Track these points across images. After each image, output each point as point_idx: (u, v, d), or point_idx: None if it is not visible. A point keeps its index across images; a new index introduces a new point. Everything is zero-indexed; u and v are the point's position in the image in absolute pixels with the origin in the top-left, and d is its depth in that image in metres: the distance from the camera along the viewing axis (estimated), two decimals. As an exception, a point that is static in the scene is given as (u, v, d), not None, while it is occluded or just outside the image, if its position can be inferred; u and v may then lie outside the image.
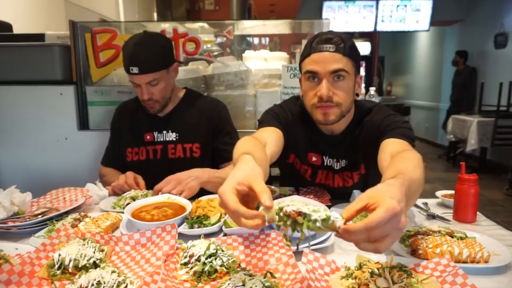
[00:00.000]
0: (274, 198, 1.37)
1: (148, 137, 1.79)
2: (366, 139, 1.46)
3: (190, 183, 1.46)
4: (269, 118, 1.51)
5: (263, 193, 0.78)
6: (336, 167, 1.55)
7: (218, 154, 1.80)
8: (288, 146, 1.51)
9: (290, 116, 1.54)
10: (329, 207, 1.25)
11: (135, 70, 1.58)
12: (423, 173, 1.00)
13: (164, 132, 1.78)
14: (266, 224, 0.77)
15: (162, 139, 1.78)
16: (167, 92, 1.71)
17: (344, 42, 1.31)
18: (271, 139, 1.36)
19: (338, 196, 1.48)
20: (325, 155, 1.55)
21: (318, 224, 0.72)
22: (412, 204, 0.97)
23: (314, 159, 1.56)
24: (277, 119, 1.50)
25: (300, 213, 0.73)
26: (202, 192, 1.54)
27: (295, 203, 0.75)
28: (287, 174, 1.71)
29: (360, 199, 0.75)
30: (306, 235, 0.76)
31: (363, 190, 1.38)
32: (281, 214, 0.75)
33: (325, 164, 1.56)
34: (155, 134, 1.78)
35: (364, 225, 0.68)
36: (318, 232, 0.73)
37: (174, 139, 1.77)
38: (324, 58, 1.30)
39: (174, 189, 1.43)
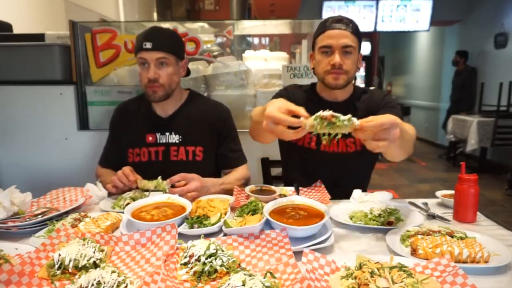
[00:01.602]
0: (274, 198, 1.39)
1: (150, 138, 1.77)
2: (366, 111, 1.62)
3: (202, 194, 1.49)
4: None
5: (301, 109, 1.09)
6: None
7: (224, 160, 1.81)
8: None
9: (293, 96, 1.73)
10: (328, 207, 1.26)
11: (148, 45, 1.59)
12: (414, 133, 1.41)
13: (167, 133, 1.76)
14: (306, 130, 1.06)
15: (164, 141, 1.76)
16: (172, 81, 1.68)
17: (351, 23, 1.59)
18: None
19: (341, 169, 1.68)
20: None
21: (345, 122, 1.03)
22: (403, 148, 1.35)
23: None
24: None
25: (333, 116, 1.03)
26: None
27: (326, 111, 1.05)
28: (292, 157, 1.79)
29: (368, 118, 1.04)
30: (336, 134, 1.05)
31: (360, 167, 1.74)
32: (318, 120, 1.04)
33: None
34: (158, 135, 1.76)
35: (373, 123, 1.02)
36: (344, 131, 1.04)
37: (177, 141, 1.75)
38: (337, 34, 1.56)
39: (191, 192, 1.45)
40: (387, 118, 1.02)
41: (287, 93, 1.75)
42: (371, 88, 1.84)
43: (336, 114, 1.04)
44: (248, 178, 1.80)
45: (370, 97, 1.72)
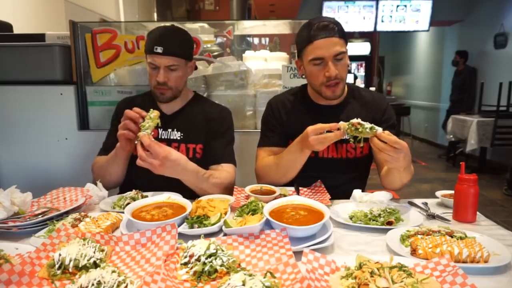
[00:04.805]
0: (274, 198, 1.39)
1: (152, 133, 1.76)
2: (363, 112, 1.65)
3: (166, 172, 1.44)
4: (265, 136, 1.75)
5: (331, 124, 1.36)
6: None
7: (211, 154, 1.74)
8: (288, 132, 1.68)
9: (279, 110, 1.73)
10: (328, 207, 1.26)
11: (159, 49, 1.60)
12: (412, 174, 1.56)
13: (169, 130, 1.76)
14: (342, 132, 1.33)
15: (166, 137, 1.76)
16: (180, 84, 1.71)
17: (337, 26, 1.50)
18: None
19: (348, 168, 1.69)
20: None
21: (367, 130, 1.28)
22: (402, 180, 1.53)
23: None
24: (271, 130, 1.73)
25: (359, 123, 1.30)
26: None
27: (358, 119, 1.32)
28: None
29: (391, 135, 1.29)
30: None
31: (358, 172, 1.74)
32: (350, 125, 1.31)
33: None
34: (160, 131, 1.76)
35: (394, 138, 1.26)
36: (367, 135, 1.30)
37: (179, 138, 1.75)
38: (326, 44, 1.48)
39: (143, 162, 1.40)
40: (404, 143, 1.28)
41: (272, 110, 1.75)
42: (370, 88, 1.88)
43: (361, 122, 1.30)
44: (230, 182, 1.67)
45: (371, 101, 1.71)
